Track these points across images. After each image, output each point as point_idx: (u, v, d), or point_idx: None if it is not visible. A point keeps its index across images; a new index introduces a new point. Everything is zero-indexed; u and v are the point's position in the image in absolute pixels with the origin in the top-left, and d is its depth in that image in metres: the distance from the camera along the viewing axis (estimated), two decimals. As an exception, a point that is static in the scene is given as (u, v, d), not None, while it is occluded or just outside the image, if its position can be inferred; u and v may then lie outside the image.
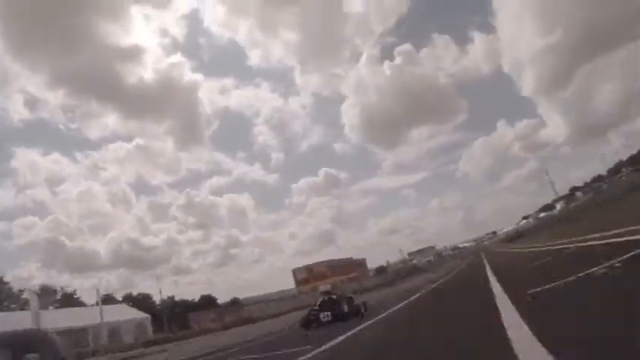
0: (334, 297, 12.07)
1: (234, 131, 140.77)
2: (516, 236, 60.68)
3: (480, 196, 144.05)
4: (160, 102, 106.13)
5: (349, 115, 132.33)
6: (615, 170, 68.05)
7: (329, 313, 11.08)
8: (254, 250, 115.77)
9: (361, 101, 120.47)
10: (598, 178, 72.31)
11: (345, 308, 11.35)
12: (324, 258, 69.01)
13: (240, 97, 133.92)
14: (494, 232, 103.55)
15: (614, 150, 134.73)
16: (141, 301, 47.32)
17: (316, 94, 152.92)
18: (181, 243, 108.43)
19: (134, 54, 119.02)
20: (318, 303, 11.91)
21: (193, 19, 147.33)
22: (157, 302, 49.56)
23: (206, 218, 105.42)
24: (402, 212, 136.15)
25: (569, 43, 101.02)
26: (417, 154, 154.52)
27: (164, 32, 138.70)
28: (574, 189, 79.80)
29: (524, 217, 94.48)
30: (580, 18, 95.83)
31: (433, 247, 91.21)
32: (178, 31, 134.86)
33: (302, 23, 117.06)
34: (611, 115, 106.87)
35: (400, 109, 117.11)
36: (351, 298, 13.35)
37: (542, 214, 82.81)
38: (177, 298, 53.62)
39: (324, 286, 14.63)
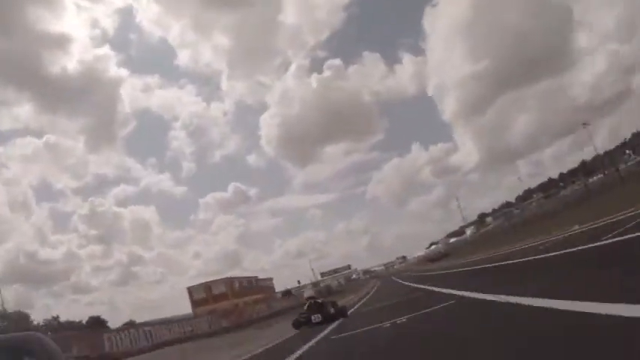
0: (319, 301, 12.93)
1: (149, 134, 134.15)
2: (442, 255, 58.61)
3: (389, 220, 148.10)
4: (79, 95, 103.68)
5: (268, 126, 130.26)
6: (524, 197, 71.52)
7: (319, 315, 11.74)
8: (157, 269, 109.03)
9: (283, 113, 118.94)
10: (507, 205, 75.63)
11: (332, 310, 12.27)
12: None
13: (162, 97, 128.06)
14: (404, 257, 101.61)
15: (518, 178, 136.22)
16: (17, 322, 36.95)
17: (240, 102, 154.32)
18: (82, 258, 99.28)
19: (61, 42, 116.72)
20: (306, 307, 12.63)
21: (127, 14, 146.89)
22: (39, 323, 40.13)
23: (109, 231, 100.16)
24: (310, 234, 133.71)
25: (493, 73, 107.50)
26: (329, 173, 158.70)
27: (95, 23, 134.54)
28: (482, 215, 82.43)
29: (433, 243, 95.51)
30: (506, 51, 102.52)
31: (349, 266, 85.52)
32: (110, 23, 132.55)
33: (236, 28, 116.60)
34: (521, 145, 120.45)
35: (320, 123, 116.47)
36: (335, 301, 13.97)
37: (452, 239, 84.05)
38: (62, 319, 43.55)
39: (308, 292, 18.12)
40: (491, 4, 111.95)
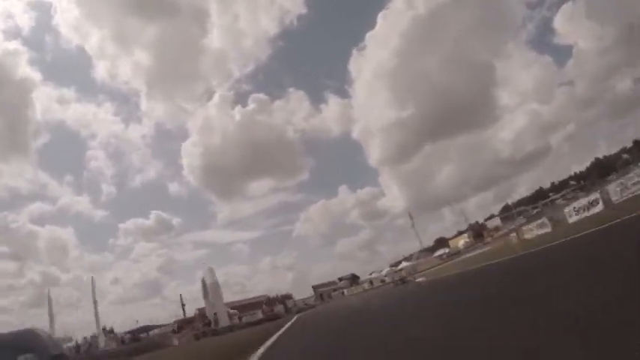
0: None
1: (65, 150, 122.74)
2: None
3: (316, 259, 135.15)
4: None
5: (190, 155, 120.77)
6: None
7: None
8: (72, 292, 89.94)
9: (205, 142, 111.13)
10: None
11: None
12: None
13: (78, 112, 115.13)
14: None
15: (445, 226, 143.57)
16: None
17: (160, 125, 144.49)
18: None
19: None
20: None
21: (43, 13, 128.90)
22: None
23: (23, 249, 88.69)
24: (233, 268, 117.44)
25: (418, 121, 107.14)
26: (255, 210, 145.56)
27: (9, 15, 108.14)
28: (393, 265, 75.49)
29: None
30: (431, 101, 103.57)
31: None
32: (25, 20, 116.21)
33: (159, 45, 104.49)
34: (446, 194, 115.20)
35: (244, 157, 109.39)
36: None
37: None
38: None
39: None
40: (417, 54, 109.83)
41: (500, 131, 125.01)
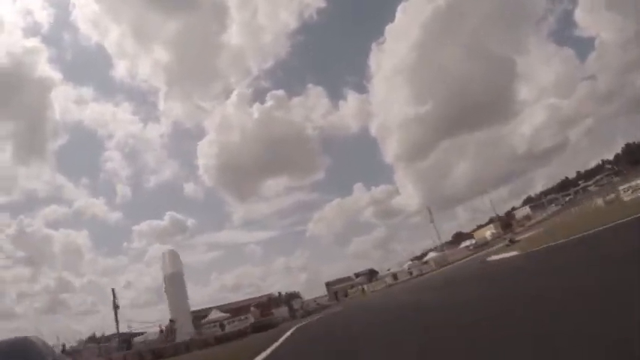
0: None
1: (82, 152, 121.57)
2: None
3: (329, 259, 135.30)
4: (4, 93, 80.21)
5: (207, 154, 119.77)
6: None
7: None
8: (86, 297, 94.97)
9: (222, 141, 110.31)
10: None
11: None
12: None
13: (96, 112, 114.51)
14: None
15: (459, 223, 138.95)
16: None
17: (177, 124, 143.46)
18: (6, 281, 77.11)
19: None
20: None
21: (62, 9, 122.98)
22: None
23: (37, 253, 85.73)
24: (247, 269, 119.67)
25: (436, 117, 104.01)
26: (270, 211, 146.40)
27: (27, 12, 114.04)
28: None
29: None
30: (449, 96, 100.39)
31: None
32: (43, 17, 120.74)
33: (179, 42, 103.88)
34: (461, 191, 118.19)
35: (260, 155, 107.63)
36: None
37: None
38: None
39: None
40: (438, 49, 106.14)
41: (519, 126, 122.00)
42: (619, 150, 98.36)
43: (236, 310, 41.76)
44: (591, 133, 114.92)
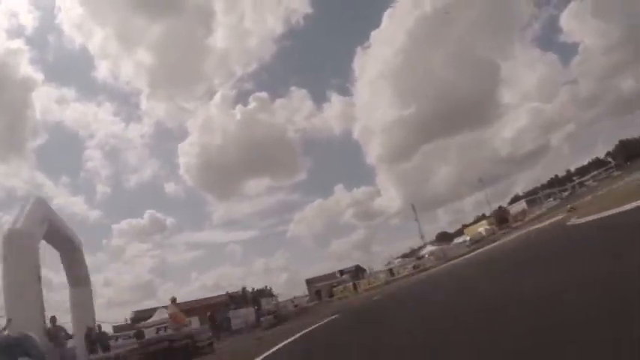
0: None
1: (63, 150, 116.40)
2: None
3: (310, 259, 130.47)
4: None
5: (189, 154, 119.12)
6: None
7: None
8: (64, 292, 56.48)
9: (204, 141, 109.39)
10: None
11: None
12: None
13: (78, 112, 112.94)
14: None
15: (440, 226, 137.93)
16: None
17: (159, 125, 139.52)
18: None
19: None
20: None
21: (48, 12, 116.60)
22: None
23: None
24: (227, 269, 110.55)
25: (418, 120, 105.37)
26: (250, 210, 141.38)
27: (13, 14, 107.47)
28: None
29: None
30: (433, 100, 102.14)
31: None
32: (29, 20, 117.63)
33: (163, 45, 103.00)
34: (443, 194, 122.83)
35: (242, 157, 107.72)
36: None
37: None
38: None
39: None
40: (422, 53, 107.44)
41: (501, 130, 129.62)
42: (599, 153, 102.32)
43: (187, 311, 31.11)
44: (572, 137, 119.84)
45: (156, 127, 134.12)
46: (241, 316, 25.64)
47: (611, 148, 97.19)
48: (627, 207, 10.79)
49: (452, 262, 32.33)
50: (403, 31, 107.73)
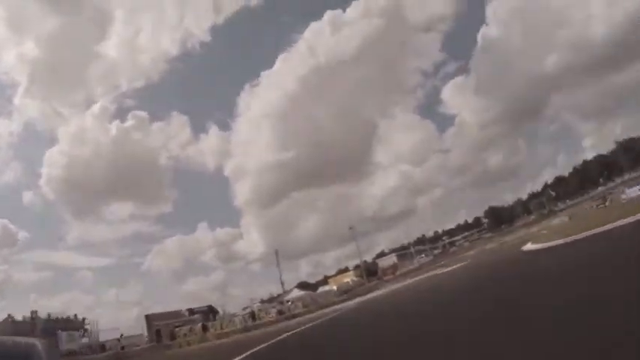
0: None
1: None
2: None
3: (163, 296, 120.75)
4: None
5: (54, 164, 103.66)
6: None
7: None
8: None
9: (73, 153, 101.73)
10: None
11: None
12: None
13: None
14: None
15: (299, 276, 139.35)
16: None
17: (29, 125, 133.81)
18: None
19: None
20: None
21: None
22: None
23: None
24: (76, 296, 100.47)
25: (292, 166, 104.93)
26: (109, 235, 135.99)
27: None
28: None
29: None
30: (311, 148, 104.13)
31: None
32: None
33: (53, 40, 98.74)
34: (307, 244, 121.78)
35: (110, 176, 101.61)
36: None
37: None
38: None
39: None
40: (307, 100, 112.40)
41: (370, 187, 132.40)
42: (461, 220, 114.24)
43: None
44: (437, 202, 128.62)
45: (25, 127, 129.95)
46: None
47: (474, 215, 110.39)
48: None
49: (325, 309, 29.84)
50: (294, 77, 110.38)
